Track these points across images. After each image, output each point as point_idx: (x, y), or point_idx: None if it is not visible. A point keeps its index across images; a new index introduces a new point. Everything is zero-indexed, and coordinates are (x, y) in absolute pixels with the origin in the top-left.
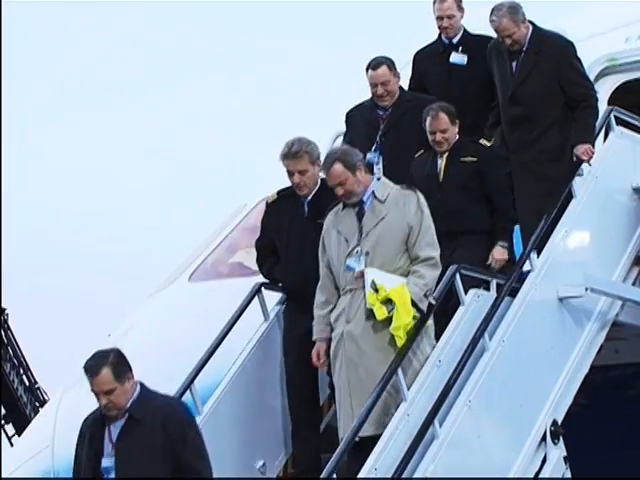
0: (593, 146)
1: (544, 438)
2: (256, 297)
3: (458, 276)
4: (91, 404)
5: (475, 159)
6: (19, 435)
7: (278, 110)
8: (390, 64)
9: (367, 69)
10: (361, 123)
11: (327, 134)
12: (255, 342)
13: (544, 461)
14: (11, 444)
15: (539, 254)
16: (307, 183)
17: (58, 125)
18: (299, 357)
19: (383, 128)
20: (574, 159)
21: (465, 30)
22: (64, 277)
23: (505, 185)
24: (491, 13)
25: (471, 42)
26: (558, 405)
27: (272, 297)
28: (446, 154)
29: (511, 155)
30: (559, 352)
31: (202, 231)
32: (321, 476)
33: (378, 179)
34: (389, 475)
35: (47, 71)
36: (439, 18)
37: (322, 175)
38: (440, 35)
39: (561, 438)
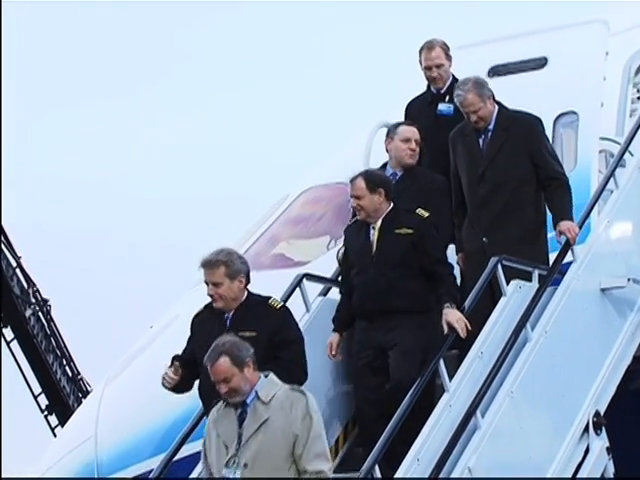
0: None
1: (586, 429)
2: (298, 288)
3: (500, 267)
4: (133, 395)
5: (410, 231)
6: (62, 426)
7: (322, 103)
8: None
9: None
10: None
11: (370, 125)
12: None
13: (587, 452)
14: (54, 435)
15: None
16: (222, 296)
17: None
18: None
19: None
20: (557, 237)
21: (454, 78)
22: (107, 269)
23: (445, 257)
24: (457, 87)
25: None
26: (600, 396)
27: (314, 288)
28: (379, 225)
29: (482, 238)
30: (601, 343)
31: (245, 222)
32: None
33: (266, 376)
34: (432, 464)
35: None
36: (427, 68)
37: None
38: (429, 85)
39: (604, 429)
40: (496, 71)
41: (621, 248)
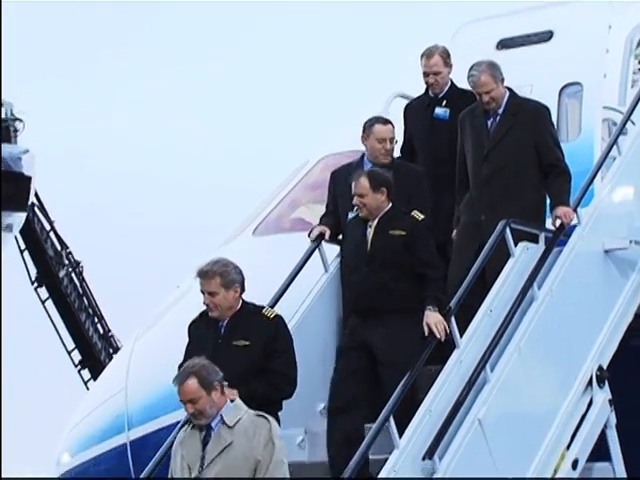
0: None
1: (590, 382)
2: (317, 250)
3: (508, 230)
4: (162, 350)
5: (404, 233)
6: (94, 380)
7: (340, 72)
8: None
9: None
10: (345, 184)
11: (384, 95)
12: (316, 292)
13: (590, 404)
14: (87, 388)
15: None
16: (217, 305)
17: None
18: None
19: None
20: (553, 221)
21: (452, 85)
22: (136, 232)
23: (436, 260)
24: (470, 69)
25: (456, 96)
26: (603, 351)
27: (332, 250)
28: (375, 224)
29: (481, 216)
30: (604, 301)
31: (266, 187)
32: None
33: (232, 401)
34: (443, 416)
35: None
36: (425, 74)
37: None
38: (427, 89)
39: (606, 382)
40: (504, 44)
41: (623, 211)
